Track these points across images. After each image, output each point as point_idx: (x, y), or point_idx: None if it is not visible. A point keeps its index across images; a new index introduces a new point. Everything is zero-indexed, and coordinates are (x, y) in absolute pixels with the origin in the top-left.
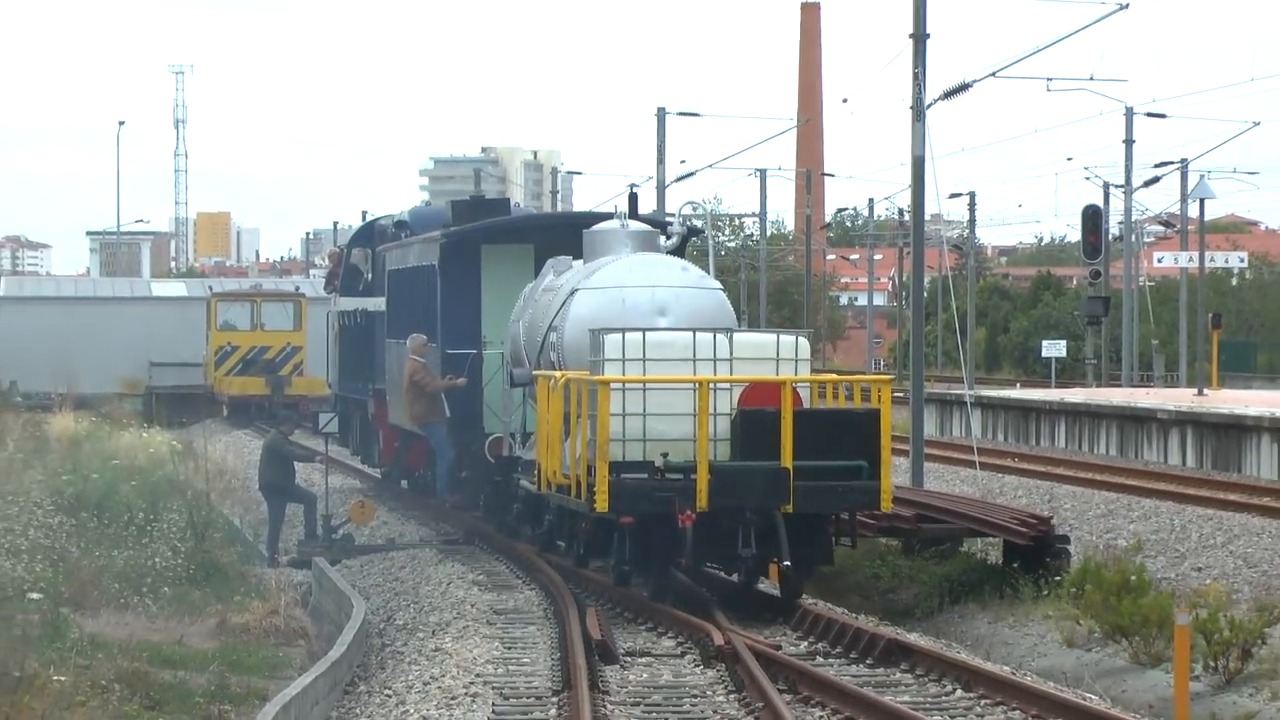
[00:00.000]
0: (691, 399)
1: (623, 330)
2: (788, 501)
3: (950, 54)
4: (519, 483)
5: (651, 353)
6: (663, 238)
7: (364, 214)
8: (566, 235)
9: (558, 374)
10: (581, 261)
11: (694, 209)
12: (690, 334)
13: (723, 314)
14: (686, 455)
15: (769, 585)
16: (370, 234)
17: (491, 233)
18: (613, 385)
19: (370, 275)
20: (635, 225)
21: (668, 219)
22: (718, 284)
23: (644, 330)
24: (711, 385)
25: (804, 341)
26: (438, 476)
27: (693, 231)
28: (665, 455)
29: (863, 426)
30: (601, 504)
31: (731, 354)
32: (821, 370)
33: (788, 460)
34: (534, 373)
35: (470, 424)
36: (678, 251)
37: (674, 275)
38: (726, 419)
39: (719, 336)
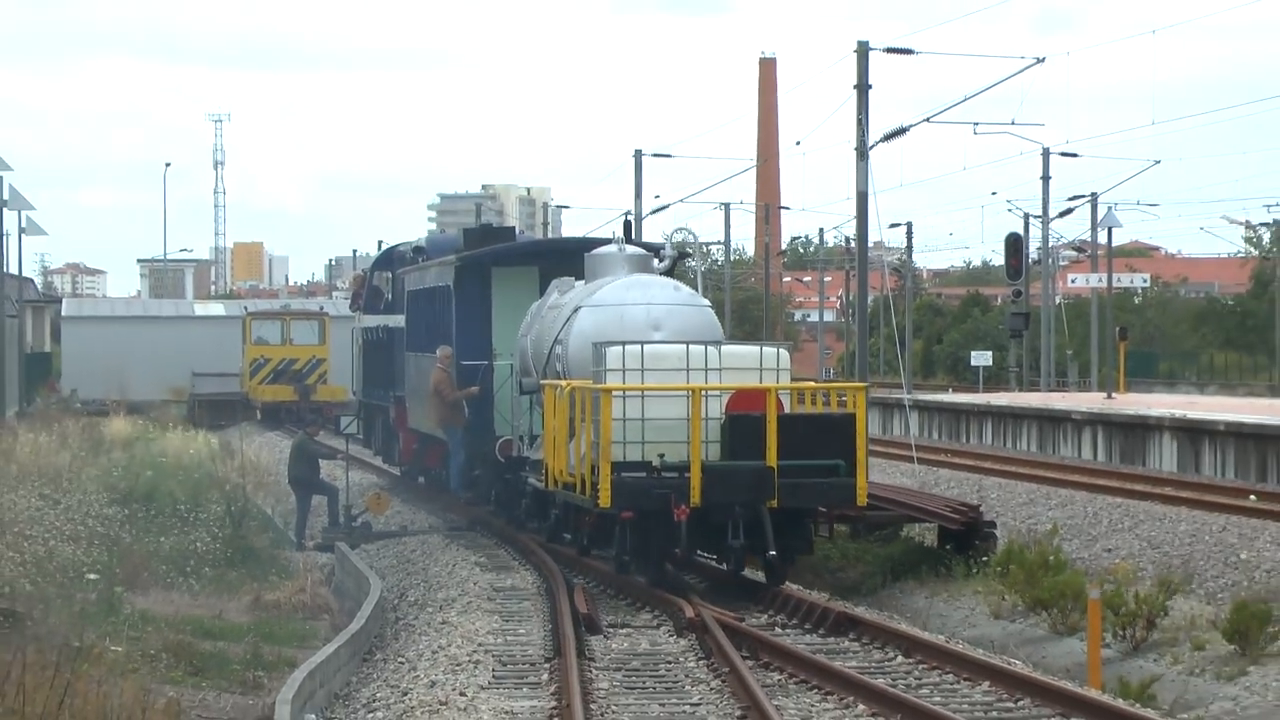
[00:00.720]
0: (685, 405)
1: (622, 343)
2: (773, 497)
3: (890, 102)
4: (527, 480)
5: (648, 363)
6: (656, 260)
7: (379, 243)
8: (567, 259)
9: (563, 383)
10: (583, 282)
11: (685, 235)
12: (683, 346)
13: (711, 329)
14: (680, 456)
15: (750, 573)
16: (390, 259)
17: (500, 256)
18: (614, 393)
19: (390, 296)
20: (631, 249)
21: (660, 244)
22: (707, 302)
23: (641, 343)
24: (703, 393)
25: (784, 353)
26: (451, 475)
27: (682, 255)
28: (661, 456)
29: (840, 429)
30: (605, 500)
31: (721, 364)
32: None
33: (772, 460)
34: (541, 381)
35: (483, 427)
36: (669, 273)
37: (667, 294)
38: (716, 423)
39: (709, 349)
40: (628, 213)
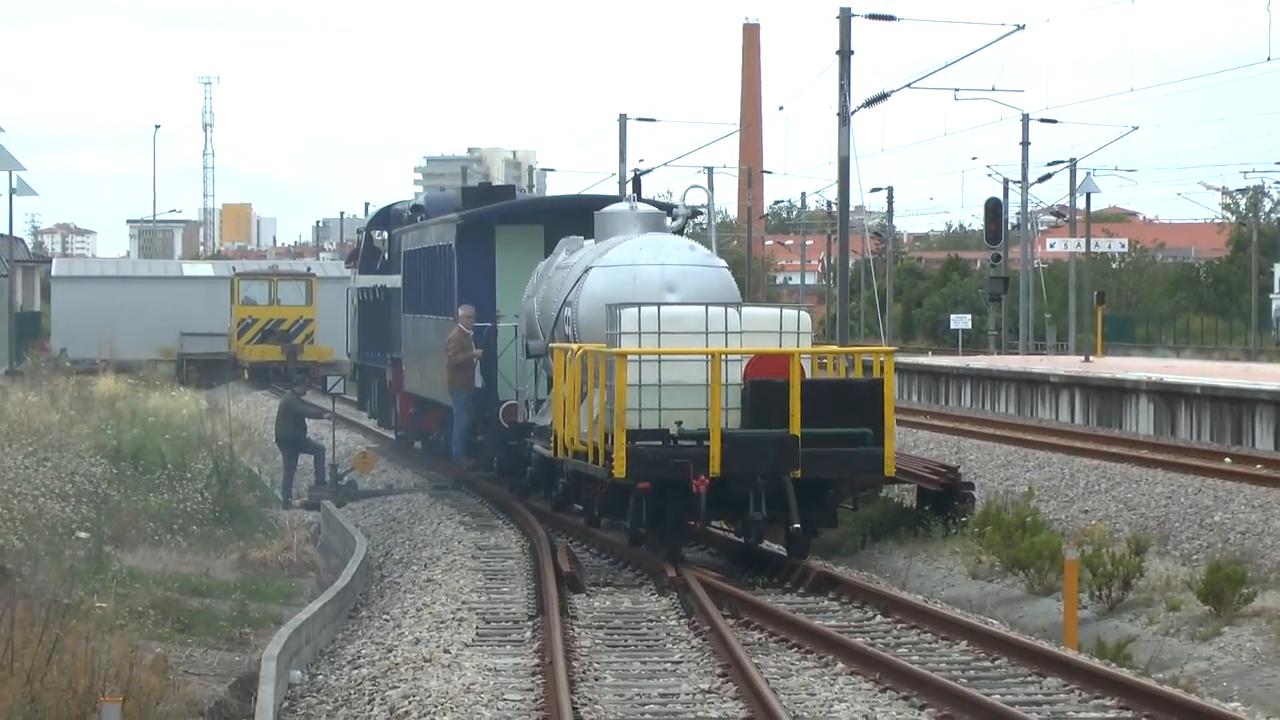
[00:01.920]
0: (703, 370)
1: (638, 305)
2: (796, 467)
3: (872, 68)
4: (532, 447)
5: (665, 326)
6: (669, 219)
7: (366, 205)
8: (573, 217)
9: (574, 346)
10: (593, 241)
11: (700, 193)
12: (702, 308)
13: (727, 290)
14: (699, 424)
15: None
16: (388, 218)
17: (505, 214)
18: (629, 357)
19: (387, 255)
20: (644, 207)
21: (673, 203)
22: (723, 262)
23: (658, 305)
24: (723, 357)
25: (805, 315)
26: (453, 440)
27: (694, 214)
28: (679, 423)
29: (867, 396)
30: (619, 470)
31: (742, 327)
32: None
33: (796, 428)
34: (550, 345)
35: (486, 391)
36: (680, 232)
37: (682, 254)
38: (736, 389)
39: (729, 311)
40: (639, 169)
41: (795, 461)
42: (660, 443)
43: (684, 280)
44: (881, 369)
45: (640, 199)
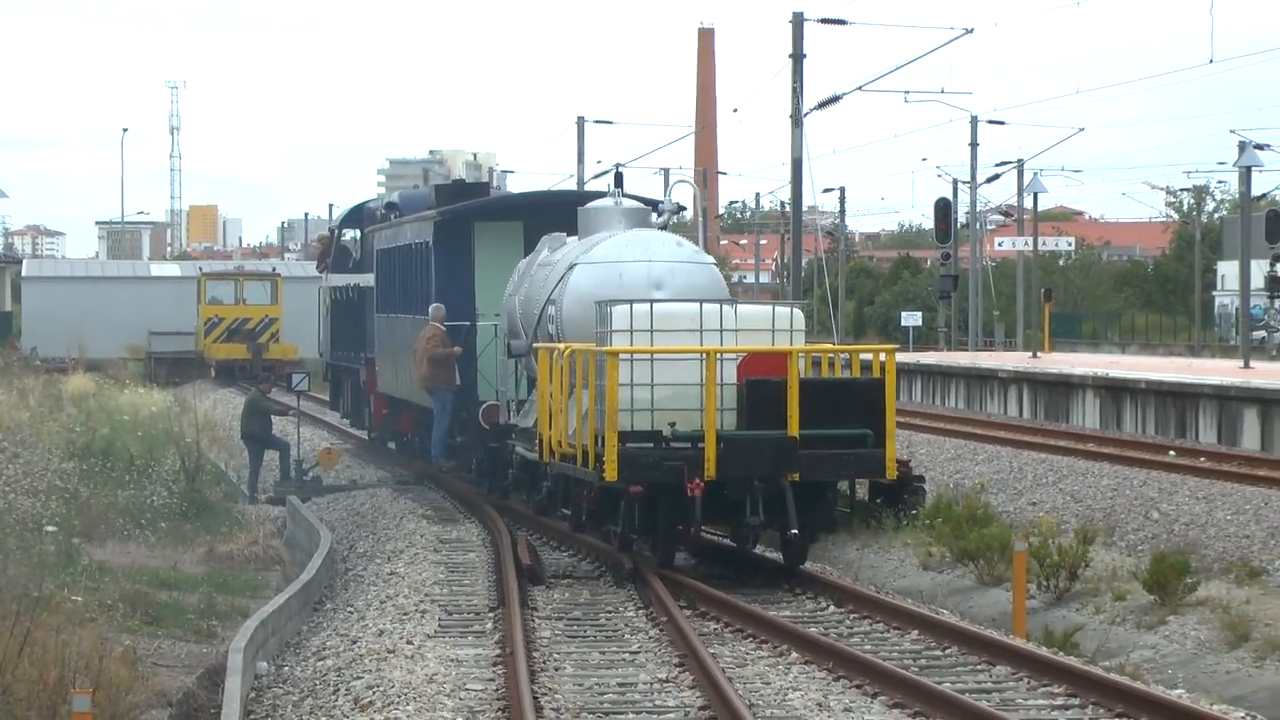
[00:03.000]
0: (697, 369)
1: (629, 302)
2: (796, 470)
3: (824, 71)
4: (514, 449)
5: (658, 324)
6: (654, 215)
7: (330, 206)
8: (554, 213)
9: (561, 345)
10: (576, 238)
11: (687, 187)
12: (696, 305)
13: (716, 287)
14: (692, 424)
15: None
16: (359, 216)
17: (484, 211)
18: (621, 356)
19: (359, 254)
20: (629, 202)
21: (658, 199)
22: (711, 259)
23: (650, 302)
24: (719, 356)
25: (799, 313)
26: (433, 441)
27: (679, 209)
28: (673, 425)
29: (867, 396)
30: (611, 473)
31: (737, 325)
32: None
33: (795, 429)
34: (535, 344)
35: (466, 391)
36: (665, 228)
37: (669, 250)
38: (732, 389)
39: (724, 308)
40: (619, 166)
41: (794, 464)
42: (652, 445)
43: (672, 277)
44: (883, 368)
45: (624, 194)
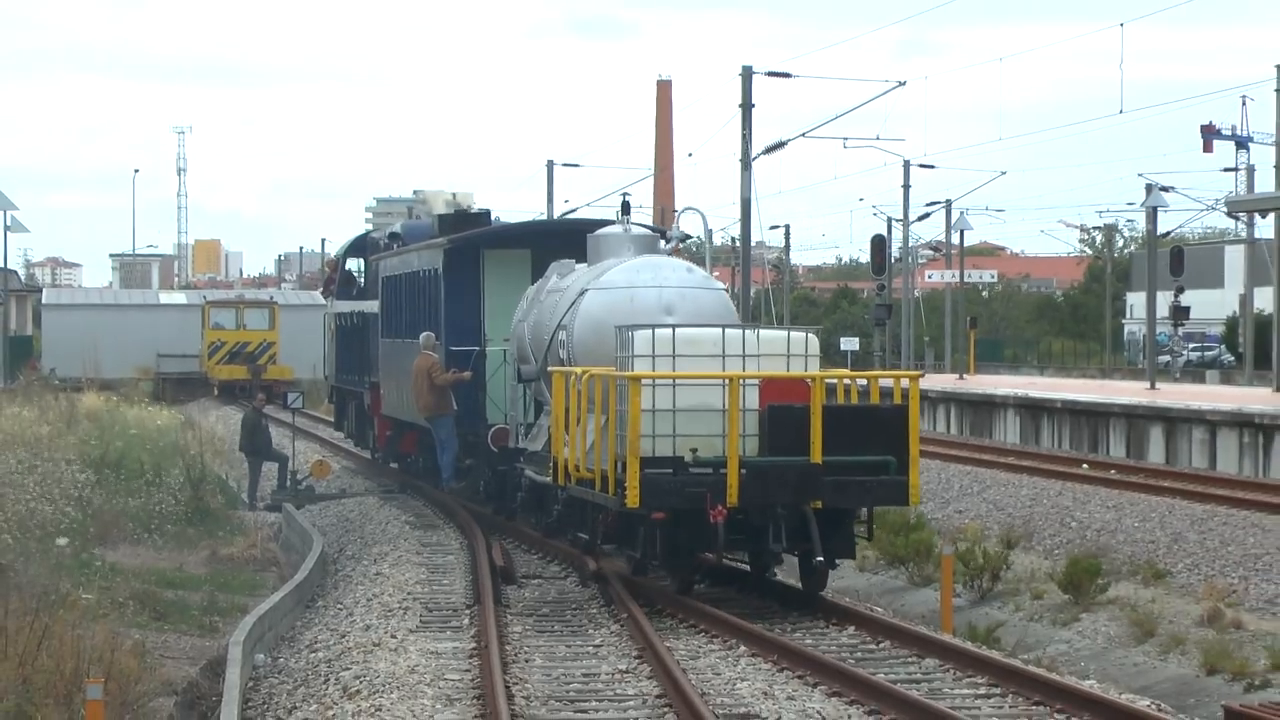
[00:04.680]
0: (718, 394)
1: (652, 326)
2: (819, 497)
3: (771, 119)
4: (523, 473)
5: (680, 349)
6: (662, 242)
7: (323, 240)
8: (560, 241)
9: (578, 369)
10: (585, 265)
11: (693, 214)
12: (718, 330)
13: (726, 312)
14: (714, 450)
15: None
16: (363, 245)
17: (493, 239)
18: (643, 381)
19: (364, 282)
20: (637, 229)
21: (662, 228)
22: (721, 284)
23: (673, 326)
24: (741, 381)
25: (814, 338)
26: (442, 466)
27: (684, 238)
28: (694, 450)
29: (891, 422)
30: (632, 499)
31: (760, 350)
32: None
33: (818, 455)
34: (550, 369)
35: (474, 415)
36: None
37: (680, 275)
38: (754, 414)
39: (747, 333)
40: (627, 195)
41: (818, 491)
42: (672, 470)
43: (682, 302)
44: (905, 395)
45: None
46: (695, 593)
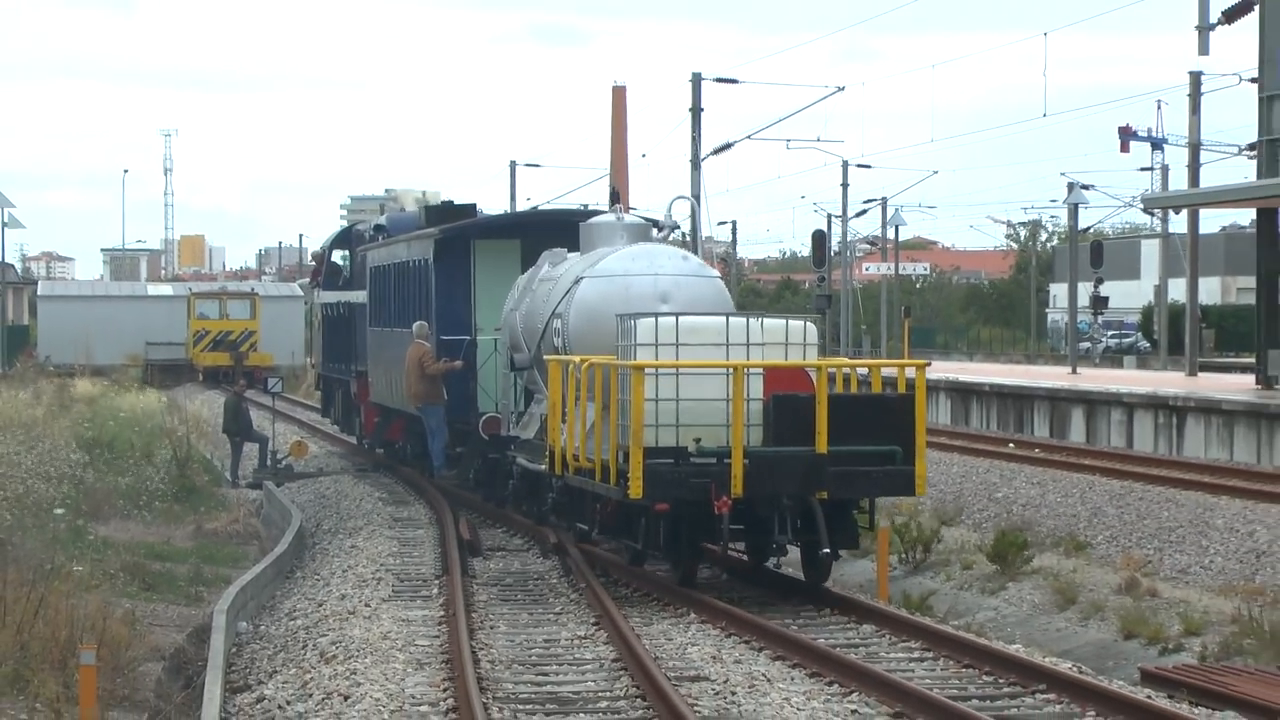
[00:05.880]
0: (723, 384)
1: (654, 315)
2: (824, 487)
3: (719, 122)
4: (515, 461)
5: (684, 338)
6: (655, 231)
7: (300, 236)
8: (550, 231)
9: (577, 358)
10: (576, 254)
11: (687, 203)
12: (722, 319)
13: (721, 300)
14: (717, 440)
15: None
16: (349, 237)
17: (483, 229)
18: (647, 370)
19: (350, 273)
20: (630, 218)
21: (655, 219)
22: (715, 272)
23: (676, 315)
24: (745, 371)
25: (813, 327)
26: (433, 454)
27: (673, 227)
28: (698, 440)
29: (897, 412)
30: (635, 490)
31: (764, 339)
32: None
33: (823, 446)
34: (545, 357)
35: (465, 404)
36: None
37: (675, 264)
38: (758, 404)
39: (751, 321)
40: (612, 185)
41: (823, 482)
42: (673, 461)
43: (678, 290)
44: (911, 384)
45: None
46: (649, 565)
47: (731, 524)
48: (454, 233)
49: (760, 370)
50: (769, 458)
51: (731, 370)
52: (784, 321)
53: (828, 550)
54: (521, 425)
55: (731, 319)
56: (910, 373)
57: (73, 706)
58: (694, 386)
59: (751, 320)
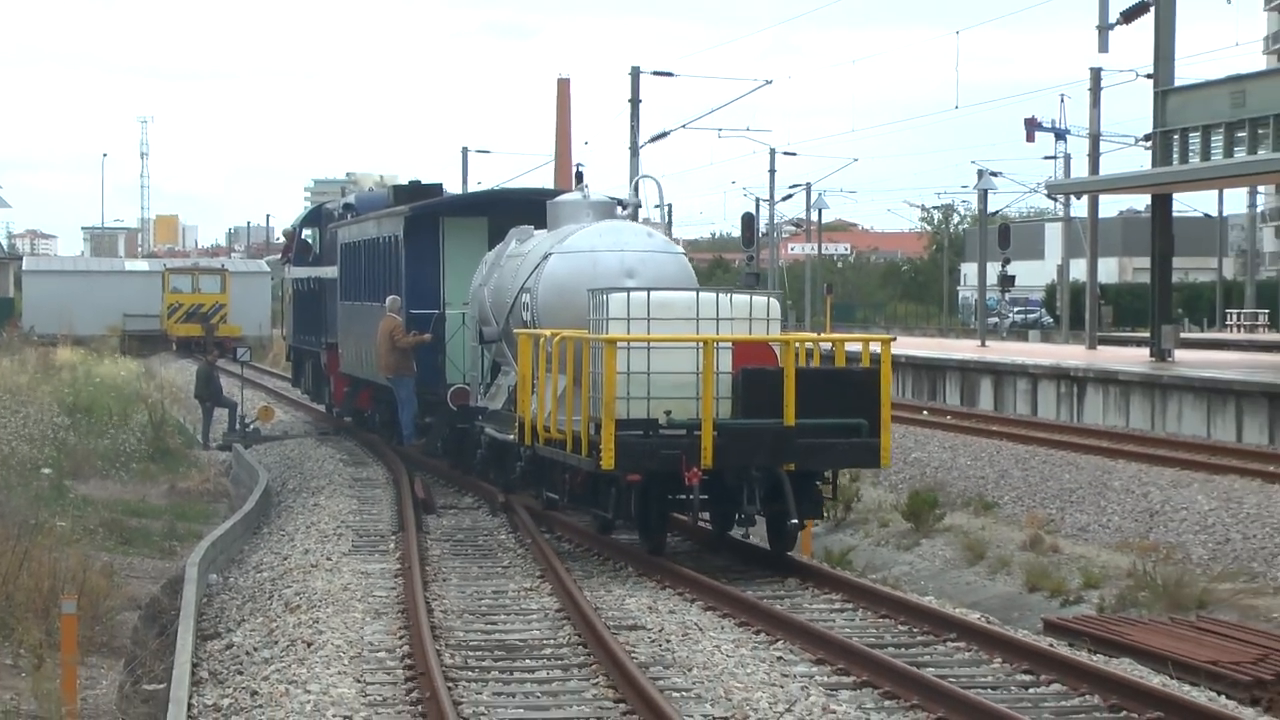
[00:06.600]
0: (693, 358)
1: (626, 290)
2: (793, 459)
3: (656, 112)
4: (483, 431)
5: (655, 312)
6: (620, 209)
7: (267, 216)
8: (516, 209)
9: (548, 331)
10: (544, 231)
11: (650, 182)
12: (693, 294)
13: (686, 276)
14: (687, 413)
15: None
16: (319, 215)
17: (451, 207)
18: (619, 344)
19: (319, 249)
20: (596, 196)
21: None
22: (680, 249)
23: (648, 290)
24: (715, 345)
25: (775, 303)
26: (402, 423)
27: (636, 206)
28: (668, 413)
29: (863, 385)
30: (608, 461)
31: (732, 314)
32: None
33: (791, 418)
34: (516, 331)
35: (434, 376)
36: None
37: (641, 240)
38: (727, 377)
39: (720, 297)
40: (579, 166)
41: (792, 454)
42: (643, 433)
43: (643, 266)
44: (876, 358)
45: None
46: (571, 514)
47: (700, 494)
48: (423, 210)
49: (730, 345)
50: (738, 430)
51: (703, 344)
52: (744, 297)
53: (795, 520)
54: (489, 396)
55: (701, 294)
56: (875, 348)
57: (54, 652)
58: (665, 360)
59: (721, 295)
